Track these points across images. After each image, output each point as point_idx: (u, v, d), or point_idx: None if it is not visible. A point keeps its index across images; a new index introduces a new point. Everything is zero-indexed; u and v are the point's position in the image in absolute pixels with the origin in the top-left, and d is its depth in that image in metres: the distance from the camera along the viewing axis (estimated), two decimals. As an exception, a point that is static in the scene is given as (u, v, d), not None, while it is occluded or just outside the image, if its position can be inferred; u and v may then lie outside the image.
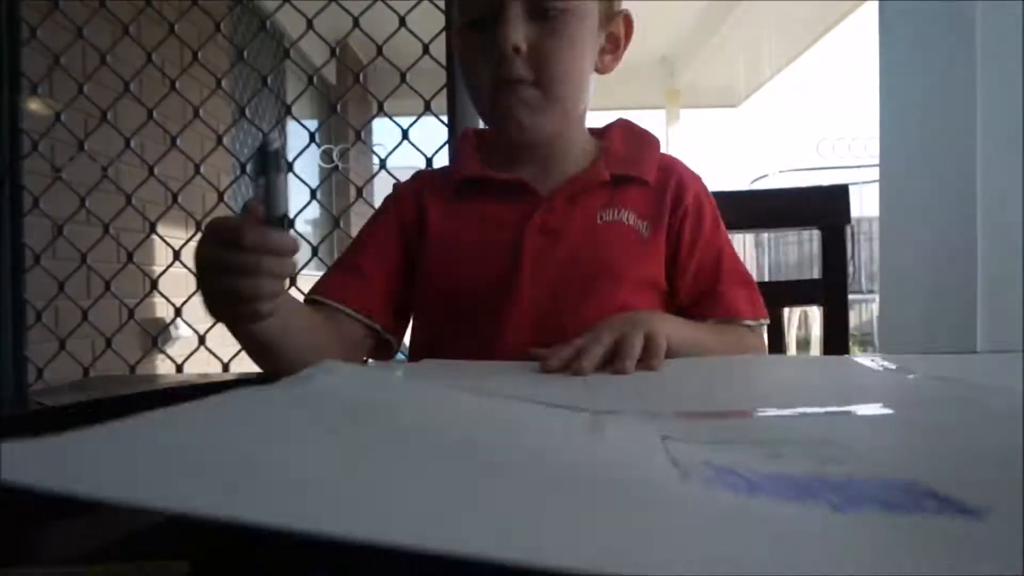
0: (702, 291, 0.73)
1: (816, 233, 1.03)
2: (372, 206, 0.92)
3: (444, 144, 1.19)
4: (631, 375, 0.51)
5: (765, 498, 0.22)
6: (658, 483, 0.23)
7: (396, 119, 1.22)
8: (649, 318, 0.60)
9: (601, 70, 0.75)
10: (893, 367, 0.49)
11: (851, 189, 1.05)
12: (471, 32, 0.71)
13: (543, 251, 0.69)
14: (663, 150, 0.81)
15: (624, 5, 0.76)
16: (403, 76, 1.20)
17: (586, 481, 0.22)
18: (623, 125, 0.81)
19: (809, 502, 0.22)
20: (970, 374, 0.49)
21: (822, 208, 1.04)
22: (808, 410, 0.38)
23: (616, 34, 0.75)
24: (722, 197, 0.80)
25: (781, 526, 0.19)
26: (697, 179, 0.79)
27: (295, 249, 0.50)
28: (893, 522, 0.20)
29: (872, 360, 0.53)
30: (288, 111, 1.32)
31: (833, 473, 0.25)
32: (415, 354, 0.75)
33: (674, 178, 0.75)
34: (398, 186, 0.83)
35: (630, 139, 0.79)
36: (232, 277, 0.48)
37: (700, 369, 0.55)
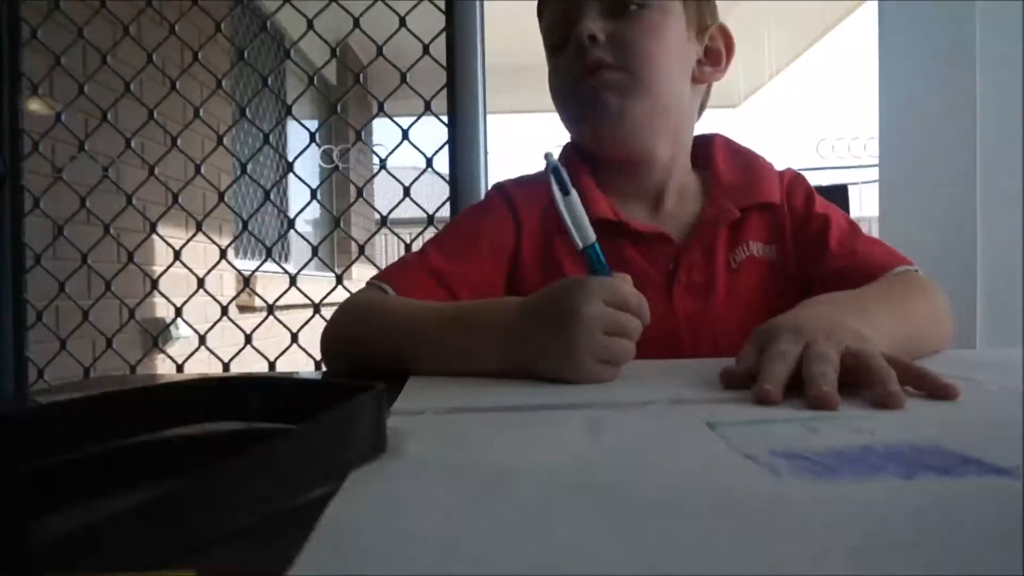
0: (829, 270, 0.68)
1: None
2: (372, 206, 0.92)
3: (444, 144, 1.19)
4: (654, 369, 0.52)
5: (850, 479, 0.24)
6: (763, 487, 0.24)
7: (396, 119, 1.22)
8: (839, 319, 0.47)
9: (699, 79, 0.74)
10: None
11: (851, 189, 1.05)
12: (556, 54, 0.72)
13: (696, 312, 0.68)
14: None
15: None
16: (403, 76, 1.20)
17: (697, 499, 0.23)
18: (723, 145, 0.79)
19: (880, 475, 0.25)
20: (962, 362, 0.51)
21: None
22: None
23: (715, 48, 0.75)
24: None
25: (880, 504, 0.22)
26: (789, 171, 0.77)
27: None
28: (953, 485, 0.23)
29: None
30: (288, 111, 1.32)
31: (873, 443, 0.29)
32: None
33: (785, 186, 0.74)
34: (506, 187, 0.77)
35: (736, 161, 0.76)
36: (627, 341, 0.49)
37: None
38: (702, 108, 0.80)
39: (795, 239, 0.72)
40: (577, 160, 0.75)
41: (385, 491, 0.25)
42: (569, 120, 0.76)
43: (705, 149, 0.77)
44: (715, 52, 0.75)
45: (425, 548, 0.19)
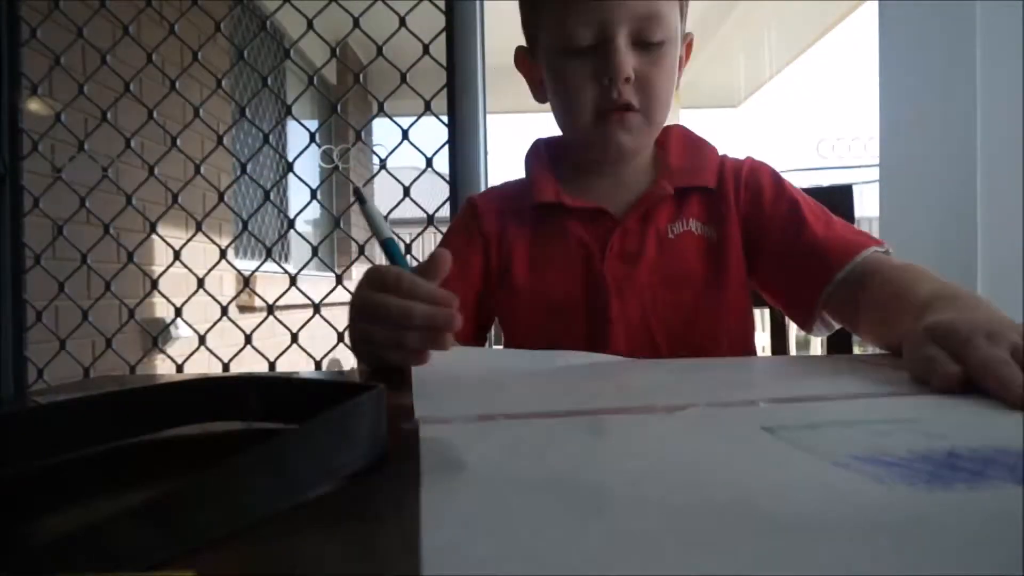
0: (812, 245, 0.70)
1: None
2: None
3: (444, 144, 1.19)
4: (661, 367, 0.52)
5: (963, 485, 0.23)
6: (881, 498, 0.22)
7: (396, 119, 1.22)
8: (990, 316, 0.48)
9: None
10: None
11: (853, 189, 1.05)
12: (569, 57, 0.72)
13: (625, 276, 0.72)
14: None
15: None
16: (403, 76, 1.20)
17: (815, 515, 0.21)
18: (680, 133, 0.83)
19: (992, 482, 0.23)
20: None
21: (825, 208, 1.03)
22: (860, 393, 0.39)
23: (681, 55, 0.78)
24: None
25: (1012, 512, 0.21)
26: (748, 159, 0.80)
27: (450, 302, 0.52)
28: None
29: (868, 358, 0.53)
30: (288, 111, 1.32)
31: (955, 447, 0.27)
32: None
33: (730, 173, 0.77)
34: (475, 201, 0.84)
35: (687, 148, 0.80)
36: (383, 325, 0.52)
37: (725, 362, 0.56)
38: None
39: (752, 221, 0.75)
40: (542, 154, 0.82)
41: (472, 510, 0.23)
42: (566, 125, 0.78)
43: (664, 136, 0.81)
44: (681, 59, 0.78)
45: (536, 567, 0.18)
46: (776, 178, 0.78)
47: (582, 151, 0.79)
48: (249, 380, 0.36)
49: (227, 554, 0.21)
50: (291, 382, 0.36)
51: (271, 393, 0.35)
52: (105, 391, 0.33)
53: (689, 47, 0.80)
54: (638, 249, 0.73)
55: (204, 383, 0.35)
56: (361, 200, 0.62)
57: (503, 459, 0.28)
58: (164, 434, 0.34)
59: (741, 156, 0.82)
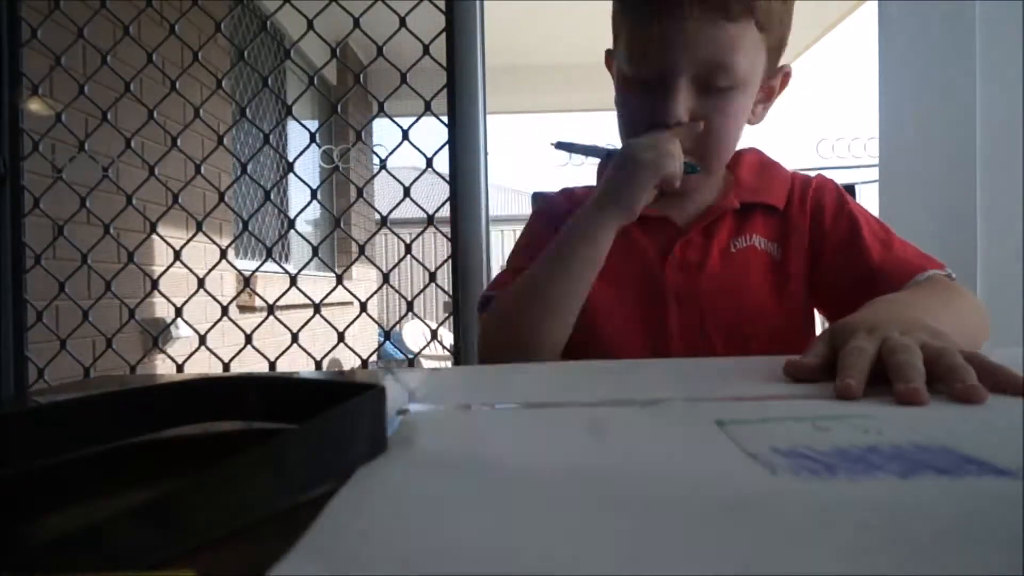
0: (869, 267, 0.70)
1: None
2: (372, 206, 0.93)
3: (444, 144, 1.19)
4: (672, 368, 0.53)
5: (845, 478, 0.24)
6: (758, 485, 0.24)
7: (396, 119, 1.22)
8: (912, 316, 0.48)
9: (751, 121, 0.76)
10: None
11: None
12: (633, 85, 0.72)
13: (685, 286, 0.73)
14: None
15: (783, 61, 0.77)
16: (403, 76, 1.20)
17: (690, 495, 0.23)
18: (753, 155, 0.83)
19: (878, 474, 0.24)
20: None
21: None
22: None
23: (773, 87, 0.76)
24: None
25: (874, 503, 0.22)
26: (818, 177, 0.80)
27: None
28: (950, 485, 0.23)
29: None
30: (288, 111, 1.32)
31: (879, 443, 0.29)
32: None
33: (798, 192, 0.77)
34: (549, 197, 0.87)
35: (759, 168, 0.81)
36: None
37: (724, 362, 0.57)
38: None
39: (815, 240, 0.75)
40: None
41: (385, 487, 0.25)
42: (623, 138, 0.79)
43: (735, 159, 0.80)
44: (770, 89, 0.76)
45: (414, 546, 0.19)
46: (839, 196, 0.77)
47: None
48: (249, 380, 0.36)
49: (227, 553, 0.21)
50: (291, 382, 0.36)
51: (271, 393, 0.35)
52: (104, 391, 0.33)
53: (786, 80, 0.77)
54: (700, 260, 0.73)
55: (204, 383, 0.35)
56: (571, 147, 0.67)
57: (446, 442, 0.31)
58: (164, 434, 0.34)
59: (812, 173, 0.82)
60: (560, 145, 0.71)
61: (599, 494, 0.24)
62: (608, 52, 0.82)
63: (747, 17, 0.66)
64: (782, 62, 0.76)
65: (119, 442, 0.33)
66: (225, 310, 1.30)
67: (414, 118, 1.23)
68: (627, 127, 0.75)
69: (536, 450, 0.30)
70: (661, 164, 0.67)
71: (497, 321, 0.72)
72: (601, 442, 0.31)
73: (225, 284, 2.51)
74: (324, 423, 0.26)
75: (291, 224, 1.32)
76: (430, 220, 1.21)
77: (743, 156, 0.81)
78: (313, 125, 4.06)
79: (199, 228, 1.28)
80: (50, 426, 0.32)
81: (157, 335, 1.38)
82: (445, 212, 1.18)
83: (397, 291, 1.27)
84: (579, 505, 0.23)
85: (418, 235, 1.24)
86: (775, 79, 0.76)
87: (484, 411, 0.38)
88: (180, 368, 1.30)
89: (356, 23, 1.22)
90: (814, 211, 0.76)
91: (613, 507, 0.22)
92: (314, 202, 1.29)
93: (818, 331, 0.85)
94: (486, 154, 1.19)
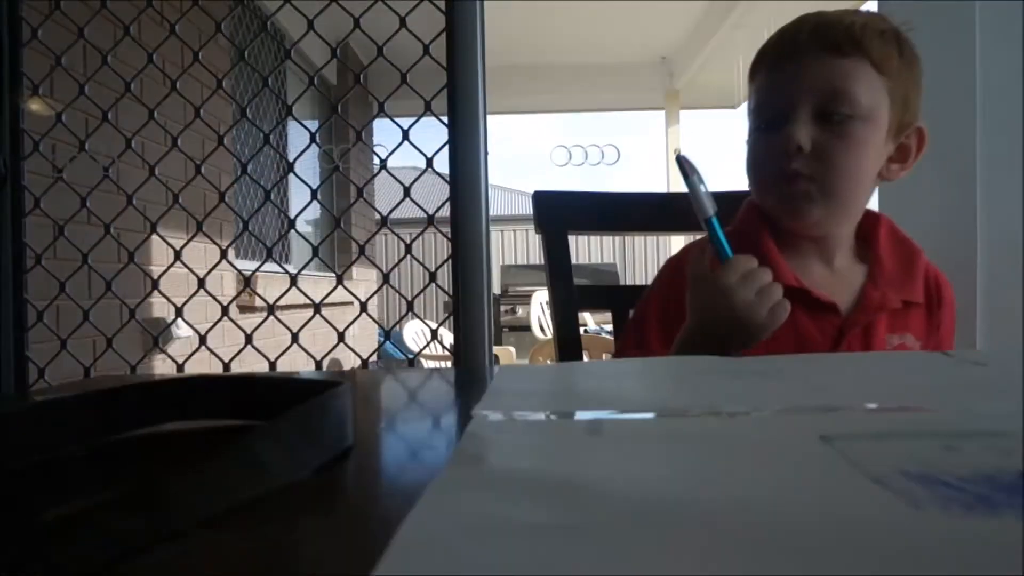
0: None
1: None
2: (372, 206, 0.93)
3: (444, 144, 1.19)
4: (746, 369, 0.53)
5: (1011, 514, 0.20)
6: (904, 523, 0.20)
7: (396, 119, 1.22)
8: None
9: (886, 177, 0.79)
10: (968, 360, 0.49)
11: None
12: (759, 130, 0.76)
13: None
14: None
15: (919, 120, 0.80)
16: (403, 76, 1.20)
17: (822, 536, 0.19)
18: (888, 229, 0.84)
19: None
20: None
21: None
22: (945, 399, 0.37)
23: (907, 145, 0.79)
24: (725, 198, 0.81)
25: None
26: (947, 283, 0.84)
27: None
28: None
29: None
30: (289, 111, 1.32)
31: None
32: None
33: (933, 288, 0.81)
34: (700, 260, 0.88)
35: (899, 251, 0.82)
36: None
37: (801, 365, 0.55)
38: None
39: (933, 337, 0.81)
40: (759, 222, 0.82)
41: (460, 507, 0.23)
42: (759, 197, 0.82)
43: (870, 223, 0.83)
44: (906, 149, 0.79)
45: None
46: (952, 299, 0.83)
47: (778, 224, 0.80)
48: (220, 379, 0.38)
49: (197, 542, 0.22)
50: (261, 381, 0.38)
51: (242, 391, 0.37)
52: (77, 392, 0.34)
53: (921, 139, 0.79)
54: None
55: (174, 382, 0.37)
56: (685, 170, 0.62)
57: (525, 459, 0.28)
58: (135, 433, 0.35)
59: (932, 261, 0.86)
60: (681, 160, 0.68)
61: (699, 526, 0.20)
62: None
63: (859, 54, 0.72)
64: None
65: (95, 441, 0.34)
66: (225, 310, 1.31)
67: (414, 118, 1.23)
68: (752, 169, 0.78)
69: (618, 473, 0.26)
70: (776, 319, 0.65)
71: None
72: (693, 464, 0.27)
73: (225, 284, 2.50)
74: (290, 419, 0.28)
75: (291, 224, 1.32)
76: (430, 220, 1.21)
77: (879, 227, 0.83)
78: (313, 125, 4.06)
79: (199, 228, 1.28)
80: (17, 429, 0.32)
81: (157, 335, 1.38)
82: (445, 212, 1.18)
83: (397, 291, 1.27)
84: (686, 546, 0.19)
85: (418, 235, 1.24)
86: (909, 137, 0.78)
87: (560, 422, 0.35)
88: (180, 368, 1.30)
89: (356, 23, 1.22)
90: (941, 311, 0.81)
91: (728, 552, 0.18)
92: (314, 202, 1.29)
93: None
94: (486, 154, 1.19)
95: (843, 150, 0.72)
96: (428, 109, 1.22)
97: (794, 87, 0.72)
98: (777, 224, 0.80)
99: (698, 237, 0.78)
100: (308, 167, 3.95)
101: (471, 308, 1.18)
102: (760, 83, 0.76)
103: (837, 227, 0.79)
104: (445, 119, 1.21)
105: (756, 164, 0.77)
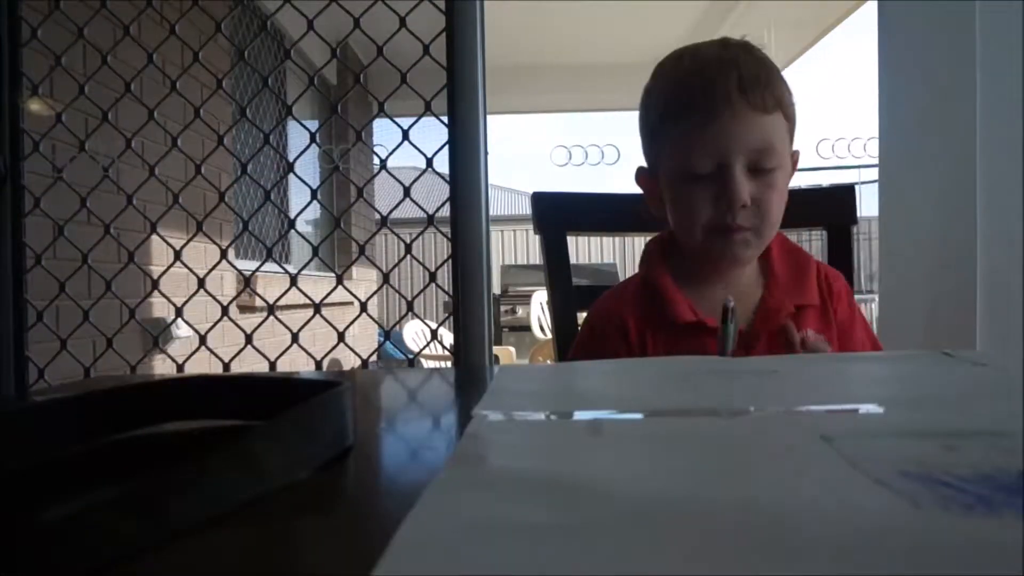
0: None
1: (820, 232, 1.03)
2: (372, 206, 0.94)
3: (444, 144, 1.19)
4: (740, 374, 0.56)
5: (1010, 514, 0.20)
6: (904, 522, 0.20)
7: (396, 119, 1.22)
8: None
9: None
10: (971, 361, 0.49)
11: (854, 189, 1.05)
12: (690, 182, 0.83)
13: None
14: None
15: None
16: (403, 76, 1.20)
17: (822, 535, 0.19)
18: (781, 244, 0.91)
19: None
20: None
21: (828, 208, 1.05)
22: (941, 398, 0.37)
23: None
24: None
25: None
26: (836, 275, 0.91)
27: None
28: None
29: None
30: (289, 111, 1.32)
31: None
32: None
33: (824, 286, 0.88)
34: (609, 311, 0.93)
35: (790, 261, 0.90)
36: None
37: (801, 365, 0.56)
38: None
39: (839, 336, 0.86)
40: (659, 266, 0.91)
41: (460, 507, 0.23)
42: (682, 238, 0.88)
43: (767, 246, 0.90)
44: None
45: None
46: (844, 287, 0.89)
47: (698, 259, 0.88)
48: (220, 379, 0.38)
49: (198, 542, 0.22)
50: (261, 381, 0.38)
51: (242, 391, 0.37)
52: (77, 392, 0.34)
53: (796, 161, 0.89)
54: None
55: (174, 383, 0.37)
56: (727, 318, 0.67)
57: (522, 458, 0.28)
58: (135, 433, 0.35)
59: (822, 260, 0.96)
60: (728, 307, 0.75)
61: (704, 531, 0.19)
62: (640, 170, 0.95)
63: (777, 110, 0.81)
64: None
65: (97, 441, 0.34)
66: (225, 310, 1.31)
67: (414, 118, 1.23)
68: (688, 222, 0.84)
69: (618, 472, 0.26)
70: None
71: None
72: (693, 464, 0.27)
73: (225, 284, 2.50)
74: (290, 419, 0.28)
75: (291, 224, 1.32)
76: (430, 220, 1.21)
77: (772, 244, 0.89)
78: (313, 125, 4.06)
79: (199, 228, 1.28)
80: (13, 431, 0.32)
81: (157, 335, 1.38)
82: (445, 212, 1.18)
83: (397, 291, 1.27)
84: (686, 546, 0.19)
85: (418, 235, 1.24)
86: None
87: (560, 422, 0.35)
88: (181, 368, 1.30)
89: (356, 23, 1.22)
90: (834, 301, 0.87)
91: (728, 552, 0.18)
92: (314, 202, 1.29)
93: None
94: (486, 154, 1.19)
95: (775, 201, 0.81)
96: (428, 109, 1.22)
97: (732, 143, 0.78)
98: (694, 259, 0.88)
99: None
100: (308, 167, 3.95)
101: (471, 308, 1.18)
102: (688, 133, 0.82)
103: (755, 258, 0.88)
104: (445, 119, 1.21)
105: (695, 213, 0.83)
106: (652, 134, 0.90)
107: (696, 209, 0.82)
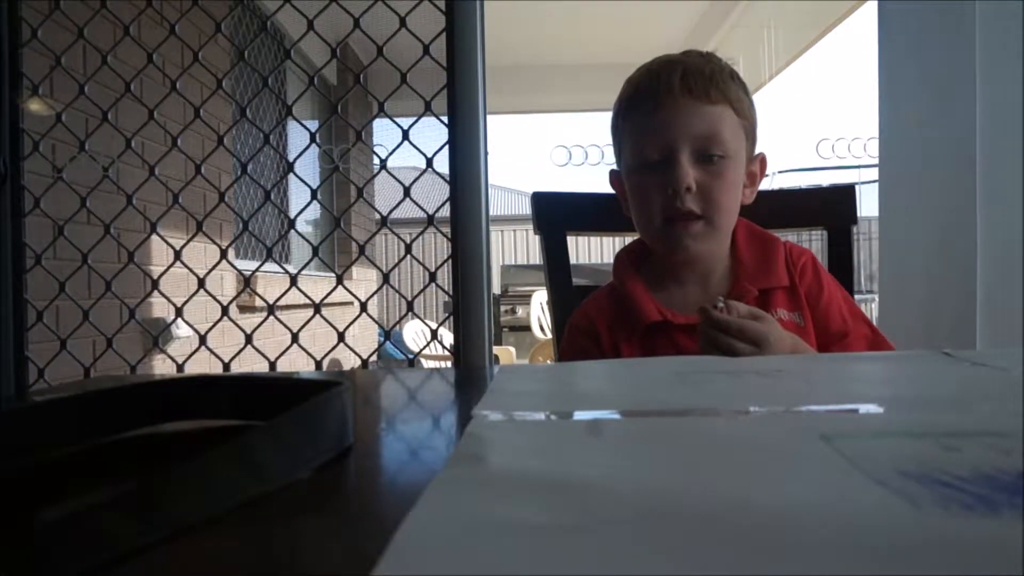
0: (830, 340, 0.85)
1: (820, 232, 1.03)
2: (372, 206, 0.95)
3: (444, 144, 1.19)
4: (740, 374, 0.56)
5: (1010, 514, 0.20)
6: (904, 523, 0.20)
7: (396, 119, 1.22)
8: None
9: (743, 201, 0.90)
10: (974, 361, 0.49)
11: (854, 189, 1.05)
12: (642, 173, 0.87)
13: None
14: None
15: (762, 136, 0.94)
16: (403, 76, 1.20)
17: (823, 536, 0.19)
18: (745, 230, 0.93)
19: None
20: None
21: (828, 208, 1.05)
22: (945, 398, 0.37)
23: (754, 172, 0.92)
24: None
25: None
26: (802, 251, 0.92)
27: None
28: None
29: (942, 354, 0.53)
30: (289, 111, 1.32)
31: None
32: None
33: (791, 266, 0.89)
34: (582, 320, 0.96)
35: (755, 245, 0.91)
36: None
37: (801, 365, 0.56)
38: None
39: (809, 305, 0.88)
40: (627, 271, 0.95)
41: (460, 507, 0.23)
42: (643, 233, 0.92)
43: (734, 234, 0.93)
44: (753, 175, 0.91)
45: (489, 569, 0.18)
46: (811, 260, 0.90)
47: (658, 253, 0.91)
48: (222, 379, 0.38)
49: (197, 542, 0.22)
50: (261, 381, 0.38)
51: (243, 391, 0.37)
52: (77, 392, 0.34)
53: (763, 165, 0.92)
54: None
55: (176, 382, 0.37)
56: None
57: (522, 457, 0.28)
58: (135, 433, 0.35)
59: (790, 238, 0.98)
60: None
61: (704, 531, 0.19)
62: (613, 172, 1.00)
63: (723, 102, 0.84)
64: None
65: (99, 439, 0.34)
66: (225, 310, 1.31)
67: (414, 118, 1.23)
68: (645, 212, 0.87)
69: (618, 472, 0.26)
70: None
71: None
72: (693, 464, 0.27)
73: (225, 284, 2.50)
74: (290, 419, 0.28)
75: (291, 224, 1.32)
76: (430, 220, 1.21)
77: (736, 230, 0.92)
78: (313, 125, 4.06)
79: (199, 228, 1.28)
80: (13, 430, 0.32)
81: (157, 335, 1.38)
82: (445, 212, 1.18)
83: (397, 291, 1.27)
84: (685, 545, 0.19)
85: (418, 235, 1.24)
86: (755, 164, 0.91)
87: (560, 422, 0.35)
88: (180, 368, 1.30)
89: (356, 23, 1.22)
90: (798, 275, 0.88)
91: (729, 551, 0.18)
92: (314, 202, 1.29)
93: None
94: (486, 154, 1.19)
95: (723, 190, 0.83)
96: (428, 109, 1.21)
97: (674, 131, 0.82)
98: (663, 262, 0.91)
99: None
100: (308, 167, 3.95)
101: (471, 308, 1.18)
102: (638, 125, 0.87)
103: (717, 252, 0.90)
104: (445, 119, 1.21)
105: (649, 202, 0.86)
106: (614, 133, 0.96)
107: (649, 198, 0.86)
